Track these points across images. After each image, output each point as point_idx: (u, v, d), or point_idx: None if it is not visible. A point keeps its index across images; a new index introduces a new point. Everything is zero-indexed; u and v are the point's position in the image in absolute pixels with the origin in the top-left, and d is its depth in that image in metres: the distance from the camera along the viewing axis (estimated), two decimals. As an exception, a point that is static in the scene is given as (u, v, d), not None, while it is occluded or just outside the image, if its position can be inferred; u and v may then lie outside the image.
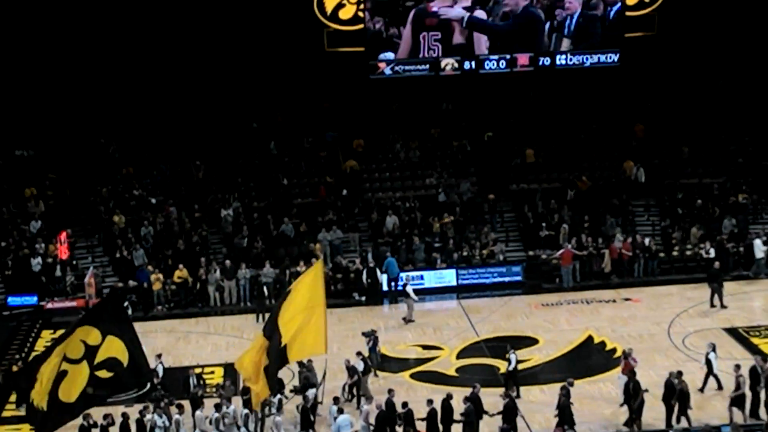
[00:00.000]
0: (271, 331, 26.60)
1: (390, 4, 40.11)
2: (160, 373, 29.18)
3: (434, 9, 40.10)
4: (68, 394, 23.80)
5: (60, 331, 35.26)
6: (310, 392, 27.03)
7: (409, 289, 35.95)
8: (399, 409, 25.90)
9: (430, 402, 25.92)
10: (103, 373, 24.00)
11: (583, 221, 41.16)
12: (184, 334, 35.88)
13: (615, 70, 42.53)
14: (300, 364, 28.18)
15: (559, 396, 25.90)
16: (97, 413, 25.73)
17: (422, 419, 25.66)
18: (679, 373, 26.62)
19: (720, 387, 27.97)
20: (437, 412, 25.76)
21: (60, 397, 23.69)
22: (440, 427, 25.77)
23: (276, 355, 26.45)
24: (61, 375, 23.64)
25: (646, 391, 26.53)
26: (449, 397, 26.13)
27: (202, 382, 29.07)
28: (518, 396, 27.94)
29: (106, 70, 44.59)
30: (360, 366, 28.66)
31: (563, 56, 41.00)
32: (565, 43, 40.90)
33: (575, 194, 42.84)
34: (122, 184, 43.46)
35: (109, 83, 44.91)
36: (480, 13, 40.18)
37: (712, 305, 35.50)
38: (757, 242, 39.10)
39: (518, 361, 29.00)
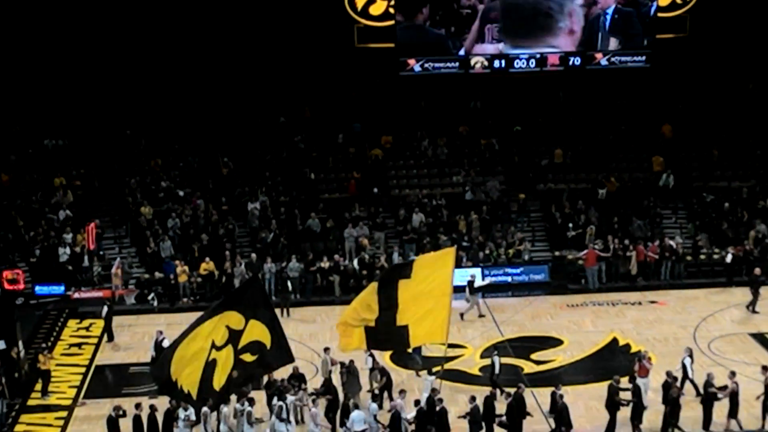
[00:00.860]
0: (388, 301, 26.53)
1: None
2: None
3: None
4: (219, 382, 24.74)
5: (86, 321, 35.87)
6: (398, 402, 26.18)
7: (485, 280, 36.28)
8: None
9: (440, 400, 25.98)
10: (247, 357, 24.85)
11: (612, 222, 41.02)
12: (209, 326, 35.86)
13: (645, 71, 42.39)
14: (342, 364, 27.92)
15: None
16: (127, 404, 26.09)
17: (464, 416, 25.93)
18: (675, 378, 26.78)
19: (698, 394, 27.45)
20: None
21: (214, 386, 24.66)
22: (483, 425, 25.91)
23: (393, 332, 26.54)
24: (212, 364, 24.42)
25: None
26: (493, 396, 26.46)
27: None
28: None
29: (135, 61, 44.74)
30: (369, 363, 28.71)
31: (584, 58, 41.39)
32: (602, 42, 40.97)
33: (605, 195, 42.75)
34: (150, 176, 43.62)
35: (138, 75, 45.05)
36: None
37: (749, 308, 35.38)
38: None
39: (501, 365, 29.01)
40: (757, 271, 36.11)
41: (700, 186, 43.40)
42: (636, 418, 26.27)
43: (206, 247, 39.90)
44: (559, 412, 25.89)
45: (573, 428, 25.92)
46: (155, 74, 45.07)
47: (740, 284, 37.77)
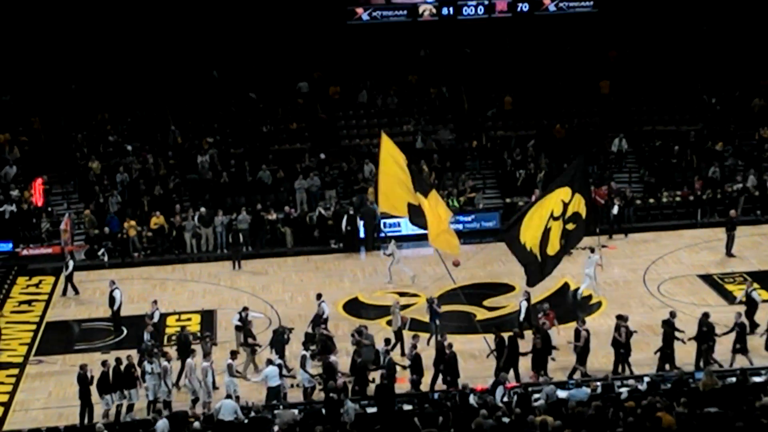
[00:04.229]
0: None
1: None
2: (156, 319, 29.14)
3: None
4: (553, 248, 27.80)
5: (36, 278, 35.58)
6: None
7: None
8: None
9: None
10: (570, 226, 27.92)
11: (562, 168, 41.08)
12: (160, 281, 35.80)
13: (593, 16, 42.32)
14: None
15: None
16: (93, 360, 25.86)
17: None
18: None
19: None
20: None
21: (548, 252, 27.73)
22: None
23: None
24: (547, 232, 27.55)
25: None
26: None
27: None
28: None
29: (78, 15, 43.89)
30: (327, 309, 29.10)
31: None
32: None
33: (552, 142, 42.80)
34: (98, 130, 43.06)
35: (82, 28, 44.18)
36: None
37: (727, 252, 35.68)
38: None
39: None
40: (732, 213, 36.40)
41: (650, 130, 43.60)
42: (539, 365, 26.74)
43: (156, 200, 39.59)
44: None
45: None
46: (99, 27, 44.25)
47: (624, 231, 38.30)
